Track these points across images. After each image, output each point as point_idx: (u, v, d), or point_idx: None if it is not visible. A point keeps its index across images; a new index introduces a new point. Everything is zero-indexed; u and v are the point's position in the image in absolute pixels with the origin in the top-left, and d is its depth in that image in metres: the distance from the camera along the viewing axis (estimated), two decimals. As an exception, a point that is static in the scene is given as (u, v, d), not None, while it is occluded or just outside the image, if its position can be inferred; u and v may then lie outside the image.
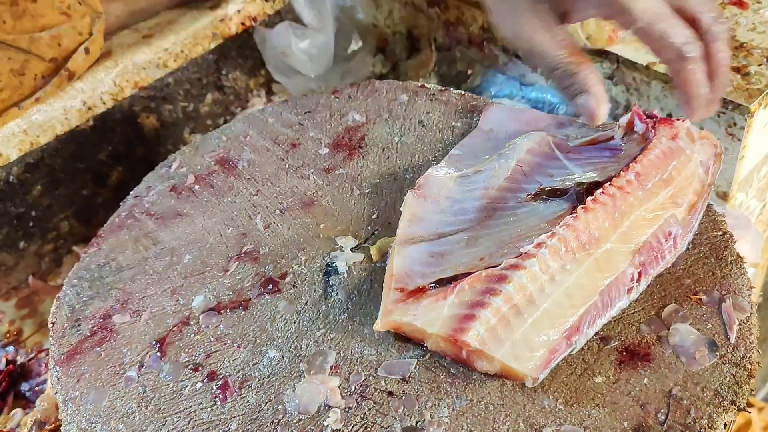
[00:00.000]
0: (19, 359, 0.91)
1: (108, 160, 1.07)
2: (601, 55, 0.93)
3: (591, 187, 0.65)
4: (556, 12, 0.59)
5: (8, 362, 0.90)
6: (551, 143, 0.70)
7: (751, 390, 0.55)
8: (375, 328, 0.59)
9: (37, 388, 0.88)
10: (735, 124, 0.84)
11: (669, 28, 0.57)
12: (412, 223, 0.66)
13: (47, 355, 0.89)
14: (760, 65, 0.86)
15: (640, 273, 0.61)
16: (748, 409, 0.54)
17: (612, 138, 0.69)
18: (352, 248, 0.69)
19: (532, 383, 0.56)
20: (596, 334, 0.59)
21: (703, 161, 0.68)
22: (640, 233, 0.62)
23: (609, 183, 0.64)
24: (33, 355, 0.92)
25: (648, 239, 0.62)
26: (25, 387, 0.88)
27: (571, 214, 0.62)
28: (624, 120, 0.69)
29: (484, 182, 0.68)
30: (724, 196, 0.91)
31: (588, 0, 0.58)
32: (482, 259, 0.62)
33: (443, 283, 0.60)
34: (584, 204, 0.62)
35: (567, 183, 0.66)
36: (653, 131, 0.68)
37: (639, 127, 0.68)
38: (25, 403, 0.87)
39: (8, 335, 0.97)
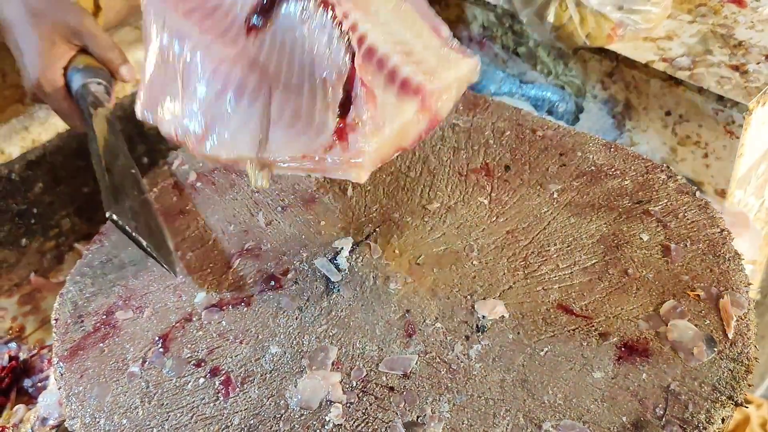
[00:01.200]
0: (22, 356, 0.92)
1: (109, 158, 1.07)
2: (600, 53, 0.93)
3: None
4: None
5: (11, 358, 0.90)
6: None
7: (749, 385, 0.56)
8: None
9: (39, 384, 0.88)
10: (733, 122, 0.85)
11: None
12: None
13: (50, 351, 0.89)
14: (758, 63, 0.87)
15: None
16: (746, 405, 0.55)
17: None
18: (354, 244, 0.69)
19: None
20: (595, 330, 0.60)
21: None
22: None
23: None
24: (35, 351, 0.92)
25: None
26: (27, 383, 0.89)
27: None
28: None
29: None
30: (722, 194, 0.91)
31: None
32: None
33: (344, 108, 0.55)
34: None
35: None
36: None
37: None
38: (28, 399, 0.87)
39: (11, 332, 0.98)
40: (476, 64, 0.58)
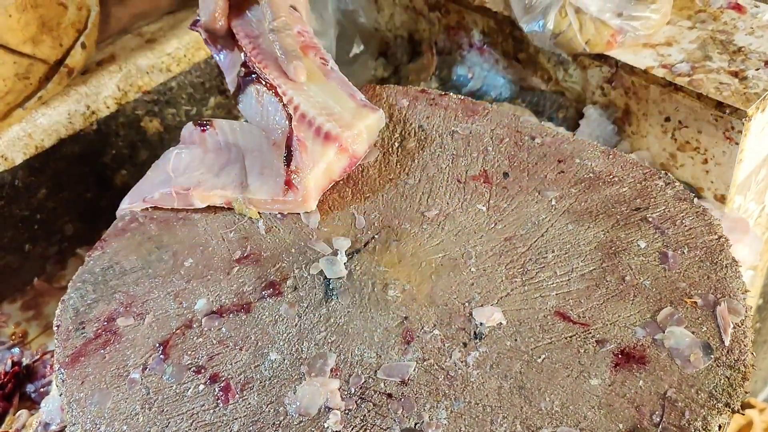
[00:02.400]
0: (25, 361, 0.92)
1: (112, 164, 1.08)
2: (600, 59, 0.94)
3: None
4: None
5: (14, 364, 0.91)
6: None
7: (746, 392, 0.56)
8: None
9: (42, 389, 0.89)
10: (733, 128, 0.85)
11: None
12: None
13: (52, 356, 0.89)
14: (757, 69, 0.87)
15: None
16: (743, 412, 0.55)
17: None
18: (354, 251, 0.70)
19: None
20: (592, 337, 0.60)
21: None
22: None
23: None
24: (38, 356, 0.93)
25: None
26: (30, 388, 0.89)
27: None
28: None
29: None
30: (722, 200, 0.91)
31: None
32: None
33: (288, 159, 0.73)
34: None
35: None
36: None
37: None
38: (31, 404, 0.88)
39: (14, 337, 0.98)
40: (381, 115, 0.78)
